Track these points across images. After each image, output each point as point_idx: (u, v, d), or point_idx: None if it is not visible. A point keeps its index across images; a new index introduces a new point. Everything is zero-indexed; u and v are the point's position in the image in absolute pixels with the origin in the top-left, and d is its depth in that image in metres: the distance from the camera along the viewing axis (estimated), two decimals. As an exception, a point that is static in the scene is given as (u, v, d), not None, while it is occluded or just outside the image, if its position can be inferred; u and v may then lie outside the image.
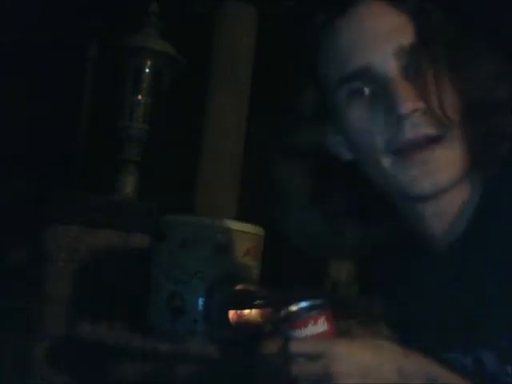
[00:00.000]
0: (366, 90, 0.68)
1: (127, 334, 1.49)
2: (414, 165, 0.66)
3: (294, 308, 0.67)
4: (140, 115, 1.92)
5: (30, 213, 1.78)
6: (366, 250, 0.78)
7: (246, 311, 1.45)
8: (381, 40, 0.67)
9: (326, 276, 2.21)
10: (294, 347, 0.66)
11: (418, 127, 0.65)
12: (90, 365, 1.57)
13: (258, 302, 1.47)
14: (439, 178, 0.66)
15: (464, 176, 0.68)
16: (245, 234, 1.54)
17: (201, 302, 1.48)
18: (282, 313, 0.67)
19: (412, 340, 0.68)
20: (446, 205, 0.69)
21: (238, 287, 1.46)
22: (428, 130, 0.65)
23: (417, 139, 0.65)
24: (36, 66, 2.25)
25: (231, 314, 1.44)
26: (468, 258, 0.68)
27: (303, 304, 0.67)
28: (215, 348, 1.43)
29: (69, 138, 2.40)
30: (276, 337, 0.69)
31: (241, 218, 1.72)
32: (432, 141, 0.65)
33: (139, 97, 1.92)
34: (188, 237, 1.50)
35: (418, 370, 0.64)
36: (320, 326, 0.66)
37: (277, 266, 1.92)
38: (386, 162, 0.67)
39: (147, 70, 1.93)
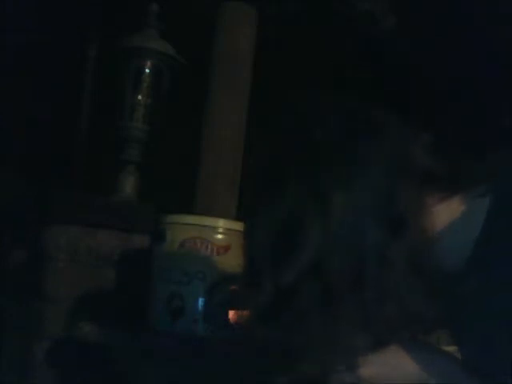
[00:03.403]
0: None
1: (127, 334, 1.49)
2: None
3: None
4: (140, 115, 1.92)
5: (30, 213, 1.78)
6: None
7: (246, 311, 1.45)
8: None
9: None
10: None
11: None
12: (90, 365, 1.57)
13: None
14: None
15: None
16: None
17: (201, 302, 1.48)
18: None
19: None
20: None
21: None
22: None
23: None
24: (36, 65, 2.25)
25: (231, 314, 1.44)
26: None
27: None
28: (215, 348, 1.43)
29: (69, 138, 2.40)
30: None
31: (241, 218, 1.72)
32: None
33: (139, 97, 1.92)
34: (188, 237, 1.50)
35: None
36: None
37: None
38: None
39: (147, 70, 1.93)
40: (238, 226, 1.53)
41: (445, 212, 0.67)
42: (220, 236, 1.51)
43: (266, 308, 0.65)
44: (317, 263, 0.62)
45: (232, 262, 1.49)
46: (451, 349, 0.74)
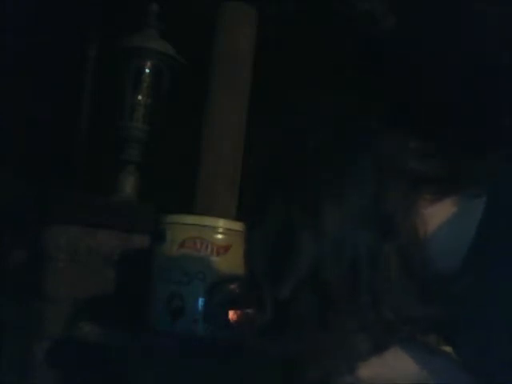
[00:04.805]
0: None
1: (127, 334, 1.49)
2: None
3: None
4: (140, 115, 1.92)
5: (30, 213, 1.78)
6: None
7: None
8: None
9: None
10: None
11: None
12: (90, 365, 1.57)
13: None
14: None
15: None
16: (244, 233, 1.54)
17: (201, 302, 1.48)
18: None
19: None
20: None
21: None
22: None
23: None
24: (36, 65, 2.25)
25: (231, 314, 1.44)
26: None
27: None
28: (215, 348, 1.43)
29: (69, 138, 2.40)
30: None
31: (241, 218, 1.71)
32: None
33: (139, 97, 1.92)
34: (188, 237, 1.50)
35: None
36: None
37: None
38: None
39: (147, 70, 1.93)
40: (238, 226, 1.52)
41: (438, 213, 0.67)
42: (220, 236, 1.51)
43: (269, 320, 0.66)
44: (314, 271, 0.62)
45: (232, 262, 1.49)
46: (450, 349, 0.74)
